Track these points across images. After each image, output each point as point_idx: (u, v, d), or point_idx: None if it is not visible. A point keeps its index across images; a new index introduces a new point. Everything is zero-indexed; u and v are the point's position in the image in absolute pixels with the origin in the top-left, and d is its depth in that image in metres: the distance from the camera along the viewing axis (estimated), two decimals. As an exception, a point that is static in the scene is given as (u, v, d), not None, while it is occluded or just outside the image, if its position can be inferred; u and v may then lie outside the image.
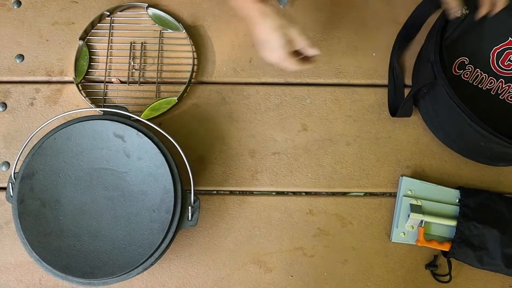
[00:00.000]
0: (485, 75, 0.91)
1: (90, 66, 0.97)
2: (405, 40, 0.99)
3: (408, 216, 0.87)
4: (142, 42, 0.98)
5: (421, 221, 0.87)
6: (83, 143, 0.84)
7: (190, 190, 0.81)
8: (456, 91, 0.83)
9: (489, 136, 0.80)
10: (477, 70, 0.91)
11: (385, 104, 0.95)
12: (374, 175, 0.93)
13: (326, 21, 1.01)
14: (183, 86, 0.94)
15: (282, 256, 0.89)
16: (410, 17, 0.99)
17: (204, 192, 0.92)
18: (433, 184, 0.90)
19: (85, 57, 0.97)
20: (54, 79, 0.97)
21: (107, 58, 0.97)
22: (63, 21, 1.00)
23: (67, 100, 0.96)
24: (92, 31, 0.99)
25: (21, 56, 0.98)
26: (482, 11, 0.86)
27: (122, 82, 0.97)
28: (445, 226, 0.87)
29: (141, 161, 0.83)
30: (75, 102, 0.95)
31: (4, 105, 0.95)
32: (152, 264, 0.80)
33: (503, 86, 0.91)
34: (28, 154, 0.83)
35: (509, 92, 0.90)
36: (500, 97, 0.91)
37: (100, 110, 0.88)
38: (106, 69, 0.97)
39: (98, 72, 0.97)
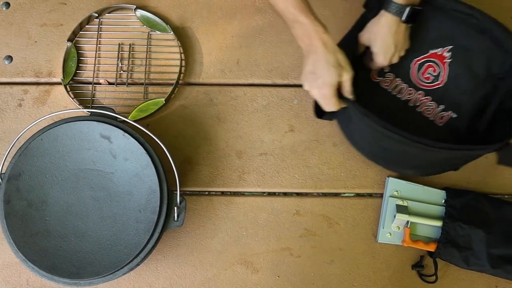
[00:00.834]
0: (404, 85, 0.91)
1: (78, 68, 0.97)
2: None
3: (394, 216, 0.88)
4: (130, 44, 0.99)
5: (407, 222, 0.87)
6: (69, 143, 0.84)
7: (176, 190, 0.81)
8: (372, 98, 0.82)
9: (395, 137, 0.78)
10: (397, 80, 0.91)
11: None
12: (361, 176, 0.93)
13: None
14: (171, 88, 0.95)
15: (269, 257, 0.89)
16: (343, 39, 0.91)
17: (191, 193, 0.92)
18: (419, 185, 0.90)
19: (73, 59, 0.97)
20: (42, 80, 0.98)
21: (95, 60, 0.98)
22: (52, 23, 1.01)
23: (55, 101, 0.96)
24: (81, 32, 1.00)
25: (9, 58, 0.98)
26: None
27: (110, 84, 0.97)
28: (431, 226, 0.88)
29: (127, 162, 0.84)
30: (63, 103, 0.96)
31: (-8, 106, 0.96)
32: (138, 265, 0.80)
33: (422, 98, 0.91)
34: (15, 155, 0.83)
35: (427, 106, 0.91)
36: (417, 109, 0.91)
37: (87, 111, 0.88)
38: (94, 71, 0.97)
39: (86, 74, 0.98)
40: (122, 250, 0.80)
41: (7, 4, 1.01)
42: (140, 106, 0.94)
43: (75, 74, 0.97)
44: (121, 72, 0.98)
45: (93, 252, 0.80)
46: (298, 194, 0.93)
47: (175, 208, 0.81)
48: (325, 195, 0.93)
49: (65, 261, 0.79)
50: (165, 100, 0.94)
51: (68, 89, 0.96)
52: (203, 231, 0.90)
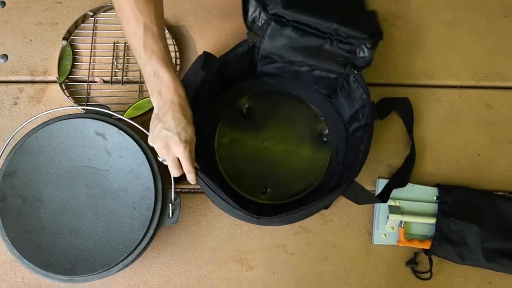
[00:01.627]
0: None
1: (73, 66, 0.98)
2: None
3: (388, 217, 0.88)
4: (125, 42, 0.99)
5: (401, 222, 0.87)
6: (64, 141, 0.84)
7: (171, 188, 0.81)
8: None
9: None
10: None
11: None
12: (355, 173, 0.93)
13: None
14: (166, 86, 0.95)
15: (264, 254, 0.89)
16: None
17: (187, 191, 0.93)
18: (410, 184, 0.90)
19: (69, 57, 0.98)
20: (37, 78, 0.98)
21: (90, 58, 0.98)
22: (47, 21, 1.01)
23: (50, 99, 0.96)
24: (76, 31, 1.00)
25: (4, 56, 0.98)
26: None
27: (105, 82, 0.97)
28: (425, 224, 0.88)
29: (122, 159, 0.84)
30: (58, 102, 0.96)
31: (-12, 105, 0.96)
32: (132, 261, 0.80)
33: None
34: (10, 152, 0.83)
35: None
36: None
37: (82, 109, 0.89)
38: (89, 69, 0.97)
39: (82, 72, 0.98)
40: (116, 247, 0.80)
41: (3, 3, 1.02)
42: (135, 104, 0.95)
43: (70, 73, 0.97)
44: (116, 70, 0.98)
45: (88, 248, 0.81)
46: (292, 191, 0.93)
47: (170, 205, 0.82)
48: (319, 192, 0.93)
49: (60, 257, 0.80)
50: (160, 98, 0.94)
51: (63, 88, 0.96)
52: (198, 228, 0.90)
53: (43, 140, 0.84)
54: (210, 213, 0.91)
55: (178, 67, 0.97)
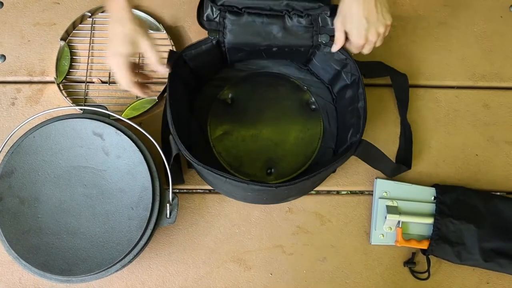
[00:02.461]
0: None
1: (71, 66, 0.98)
2: None
3: (385, 218, 0.88)
4: (123, 43, 0.99)
5: (398, 222, 0.87)
6: (62, 141, 0.84)
7: (169, 188, 0.81)
8: None
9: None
10: None
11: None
12: (353, 173, 0.93)
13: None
14: (163, 86, 0.95)
15: (262, 254, 0.89)
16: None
17: (185, 191, 0.93)
18: (408, 184, 0.91)
19: (67, 58, 0.98)
20: (35, 79, 0.98)
21: (88, 59, 0.98)
22: (45, 22, 1.01)
23: (48, 100, 0.96)
24: (74, 31, 1.00)
25: (2, 56, 0.98)
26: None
27: (103, 82, 0.97)
28: (422, 224, 0.88)
29: (119, 159, 0.84)
30: (56, 102, 0.96)
31: (-15, 105, 0.96)
32: (130, 262, 0.80)
33: None
34: (7, 153, 0.83)
35: None
36: None
37: (80, 109, 0.88)
38: (87, 69, 0.97)
39: (79, 72, 0.98)
40: (114, 247, 0.80)
41: (1, 4, 1.02)
42: (133, 104, 0.95)
43: (68, 73, 0.97)
44: (114, 70, 0.98)
45: (86, 249, 0.80)
46: (290, 191, 0.93)
47: (168, 205, 0.82)
48: (317, 192, 0.93)
49: (58, 258, 0.79)
50: (157, 98, 0.95)
51: (61, 88, 0.96)
52: (196, 228, 0.90)
53: (40, 140, 0.84)
54: (207, 213, 0.91)
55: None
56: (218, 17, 0.86)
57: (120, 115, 0.91)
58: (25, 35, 1.00)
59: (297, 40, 0.88)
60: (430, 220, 0.87)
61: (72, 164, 0.84)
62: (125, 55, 0.76)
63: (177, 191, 0.92)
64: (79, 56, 0.99)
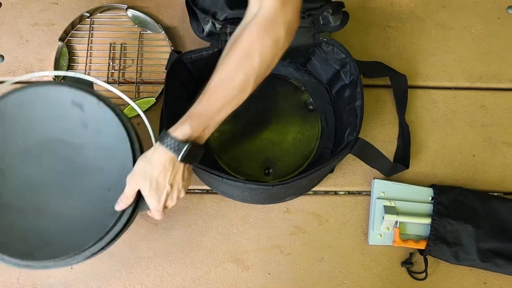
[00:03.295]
0: None
1: (69, 67, 0.98)
2: None
3: (383, 218, 0.88)
4: (121, 43, 0.99)
5: (396, 222, 0.88)
6: (36, 110, 0.75)
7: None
8: None
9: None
10: None
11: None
12: (351, 173, 0.94)
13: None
14: (162, 86, 0.95)
15: (260, 254, 0.89)
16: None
17: (187, 192, 0.92)
18: (406, 184, 0.91)
19: (65, 58, 0.98)
20: (34, 79, 0.98)
21: (86, 59, 0.98)
22: (43, 22, 1.01)
23: (46, 100, 0.96)
24: (72, 32, 1.00)
25: (1, 57, 0.99)
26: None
27: (101, 82, 0.98)
28: (420, 224, 0.88)
29: (99, 134, 0.75)
30: (54, 102, 0.96)
31: (-17, 105, 0.96)
32: (101, 250, 0.72)
33: None
34: None
35: None
36: None
37: (60, 75, 0.79)
38: (85, 70, 0.98)
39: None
40: (84, 232, 0.71)
41: (-1, 4, 1.02)
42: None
43: (67, 73, 0.97)
44: (113, 71, 0.98)
45: (52, 231, 0.71)
46: (288, 192, 0.93)
47: None
48: (315, 193, 0.93)
49: (19, 239, 0.70)
50: (156, 99, 0.95)
51: (60, 88, 0.96)
52: (194, 228, 0.90)
53: (12, 107, 0.74)
54: (205, 213, 0.91)
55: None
56: (220, 29, 0.86)
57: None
58: (24, 35, 1.00)
59: (298, 40, 0.87)
60: (428, 221, 0.87)
61: (46, 136, 0.75)
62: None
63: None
64: (78, 56, 0.99)
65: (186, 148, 0.67)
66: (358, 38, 1.01)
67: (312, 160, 0.92)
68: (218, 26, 0.86)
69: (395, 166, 0.90)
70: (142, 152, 0.75)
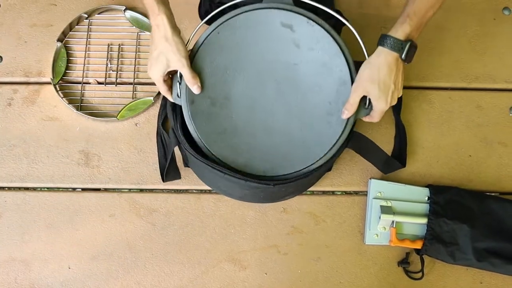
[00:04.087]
0: None
1: (67, 67, 0.98)
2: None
3: (379, 217, 0.88)
4: (119, 44, 1.00)
5: (392, 222, 0.88)
6: (248, 35, 0.79)
7: None
8: None
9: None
10: None
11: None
12: (347, 173, 0.94)
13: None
14: (159, 87, 0.96)
15: (257, 254, 0.89)
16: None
17: (181, 191, 0.93)
18: (402, 184, 0.91)
19: (63, 59, 0.98)
20: (32, 80, 0.98)
21: (84, 60, 0.99)
22: (42, 23, 1.02)
23: (44, 100, 0.97)
24: (70, 33, 1.00)
25: (-1, 57, 0.99)
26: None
27: (99, 83, 0.98)
28: (416, 224, 0.89)
29: (313, 52, 0.79)
30: (52, 103, 0.96)
31: (-18, 106, 0.96)
32: (332, 158, 0.78)
33: None
34: (191, 51, 0.80)
35: None
36: None
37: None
38: (83, 70, 0.98)
39: (76, 73, 0.99)
40: (316, 143, 0.77)
41: (-2, 5, 1.02)
42: (129, 105, 0.95)
43: (65, 74, 0.98)
44: (110, 71, 0.98)
45: (285, 147, 0.78)
46: (285, 192, 0.94)
47: (366, 97, 0.78)
48: (312, 193, 0.94)
49: (257, 158, 0.77)
50: (153, 99, 0.95)
51: (58, 89, 0.96)
52: (191, 228, 0.90)
53: (225, 36, 0.79)
54: (203, 213, 0.91)
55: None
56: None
57: (116, 116, 0.92)
58: (22, 36, 1.01)
59: None
60: (424, 220, 0.88)
61: (261, 59, 0.79)
62: (159, 71, 0.77)
63: (175, 190, 0.93)
64: (76, 57, 0.99)
65: (409, 46, 0.74)
66: (354, 39, 1.01)
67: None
68: (214, 7, 0.85)
69: (391, 161, 0.90)
70: (354, 64, 0.79)
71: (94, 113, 0.95)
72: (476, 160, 0.95)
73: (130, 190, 0.93)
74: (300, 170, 0.77)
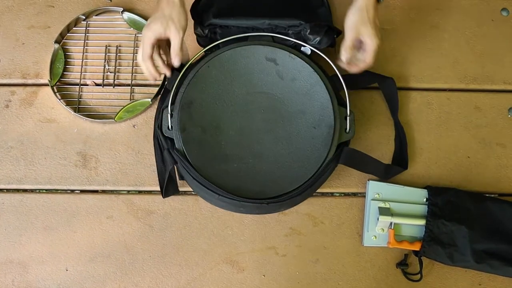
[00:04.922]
0: None
1: (65, 69, 0.98)
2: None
3: (378, 219, 0.88)
4: (117, 46, 1.00)
5: (391, 223, 0.88)
6: (236, 69, 0.86)
7: (343, 104, 0.85)
8: None
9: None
10: None
11: (358, 106, 0.97)
12: (346, 175, 0.94)
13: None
14: (157, 88, 0.96)
15: (255, 256, 0.89)
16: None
17: (182, 193, 0.93)
18: (400, 186, 0.91)
19: (61, 60, 0.98)
20: (29, 81, 0.98)
21: (82, 61, 0.99)
22: (39, 25, 1.02)
23: (42, 102, 0.97)
24: (68, 34, 1.00)
25: (-4, 59, 0.99)
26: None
27: (97, 85, 0.98)
28: (414, 226, 0.89)
29: (295, 82, 0.86)
30: (50, 104, 0.96)
31: (-21, 108, 0.96)
32: (317, 179, 0.82)
33: None
34: (183, 84, 0.85)
35: None
36: None
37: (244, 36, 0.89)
38: (81, 72, 0.98)
39: (73, 75, 0.98)
40: (303, 166, 0.82)
41: (-5, 7, 1.02)
42: (127, 106, 0.95)
43: (62, 76, 0.98)
44: (108, 73, 0.98)
45: (274, 170, 0.82)
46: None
47: (347, 119, 0.84)
48: (310, 194, 0.94)
49: (248, 181, 0.81)
50: (151, 101, 0.95)
51: (55, 90, 0.96)
52: (189, 230, 0.90)
53: (214, 69, 0.85)
54: (201, 215, 0.91)
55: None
56: (208, 34, 0.90)
57: (114, 117, 0.92)
58: (20, 37, 1.01)
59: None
60: (422, 222, 0.88)
61: (248, 91, 0.86)
62: (154, 31, 0.80)
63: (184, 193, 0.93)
64: (73, 59, 0.99)
65: None
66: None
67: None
68: (205, 32, 0.90)
69: (390, 168, 0.90)
70: (334, 90, 0.86)
71: (92, 115, 0.95)
72: (475, 162, 0.95)
73: (127, 192, 0.93)
74: (290, 191, 0.81)
